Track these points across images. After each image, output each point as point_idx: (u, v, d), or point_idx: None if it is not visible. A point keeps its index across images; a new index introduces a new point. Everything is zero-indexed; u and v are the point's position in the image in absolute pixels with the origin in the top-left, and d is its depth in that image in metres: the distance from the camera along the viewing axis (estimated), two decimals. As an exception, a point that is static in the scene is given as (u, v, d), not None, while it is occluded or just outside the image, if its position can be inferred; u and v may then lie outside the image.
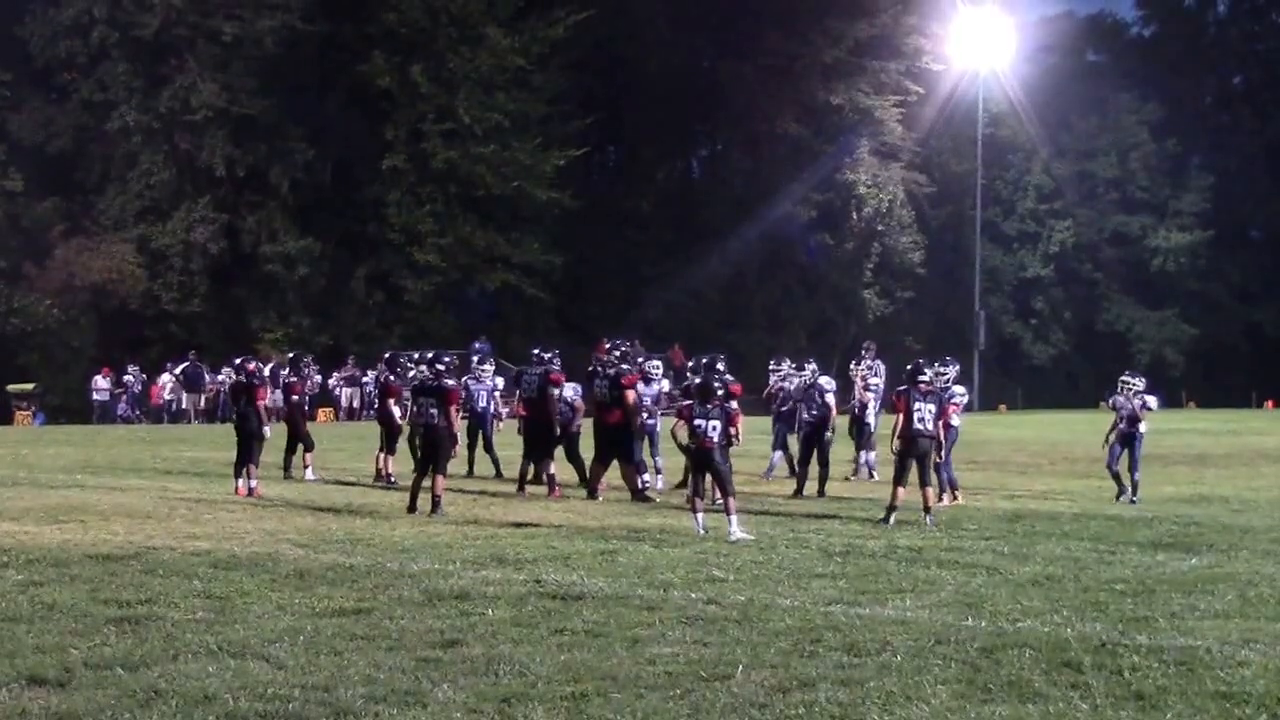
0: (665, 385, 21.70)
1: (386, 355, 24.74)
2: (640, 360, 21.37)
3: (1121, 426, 18.92)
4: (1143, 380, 19.35)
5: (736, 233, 58.87)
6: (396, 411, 21.55)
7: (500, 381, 23.75)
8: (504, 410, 24.28)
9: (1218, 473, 24.41)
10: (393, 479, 20.90)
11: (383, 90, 51.39)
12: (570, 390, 20.70)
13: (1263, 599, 10.81)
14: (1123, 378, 19.44)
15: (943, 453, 17.07)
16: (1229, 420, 45.74)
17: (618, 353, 19.70)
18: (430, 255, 51.28)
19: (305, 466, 21.68)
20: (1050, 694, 7.76)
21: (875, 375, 23.60)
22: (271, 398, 24.08)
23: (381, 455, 21.40)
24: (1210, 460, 27.39)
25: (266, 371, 23.86)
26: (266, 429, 19.60)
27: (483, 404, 22.64)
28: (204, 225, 49.56)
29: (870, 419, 22.79)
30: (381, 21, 51.23)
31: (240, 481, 19.12)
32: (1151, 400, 19.06)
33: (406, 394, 21.69)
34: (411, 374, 22.33)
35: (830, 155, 61.91)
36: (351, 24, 51.79)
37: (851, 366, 24.23)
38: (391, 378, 22.62)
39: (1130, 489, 18.52)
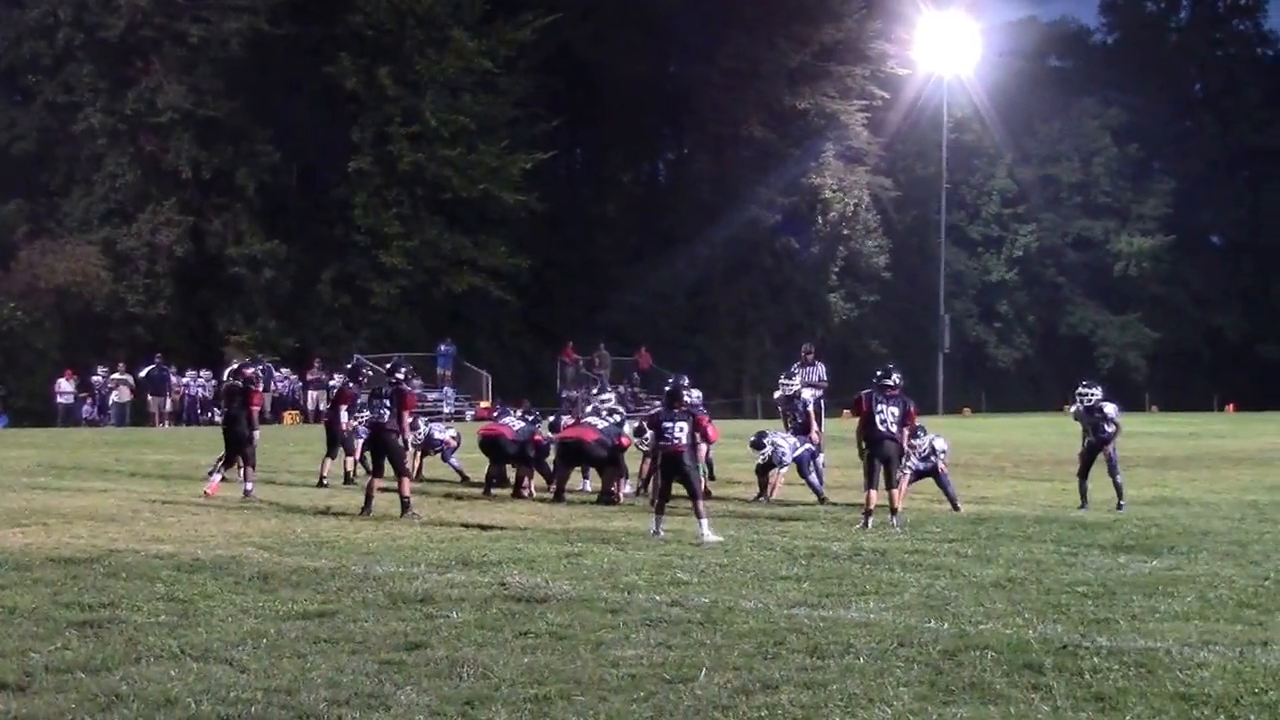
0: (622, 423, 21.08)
1: (350, 365, 24.57)
2: (595, 392, 21.56)
3: (1090, 439, 18.95)
4: (1099, 389, 19.18)
5: (703, 236, 59.02)
6: (345, 418, 21.56)
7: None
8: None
9: (1179, 475, 24.55)
10: (325, 480, 21.06)
11: (349, 93, 51.26)
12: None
13: (1222, 601, 10.89)
14: (1079, 389, 19.32)
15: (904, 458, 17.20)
16: (1190, 424, 46.04)
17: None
18: (396, 258, 51.17)
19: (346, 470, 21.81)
20: (1011, 696, 7.79)
21: (807, 385, 21.67)
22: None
23: (327, 461, 21.57)
24: (1171, 463, 27.54)
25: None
26: (256, 433, 19.66)
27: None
28: (169, 228, 49.31)
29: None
30: (348, 24, 51.12)
31: (216, 478, 19.20)
32: (1109, 409, 18.98)
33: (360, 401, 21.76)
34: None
35: (796, 159, 62.10)
36: (318, 26, 51.63)
37: (782, 379, 21.86)
38: (350, 384, 22.54)
39: (1117, 494, 18.47)
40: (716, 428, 17.20)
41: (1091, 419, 18.85)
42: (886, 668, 8.39)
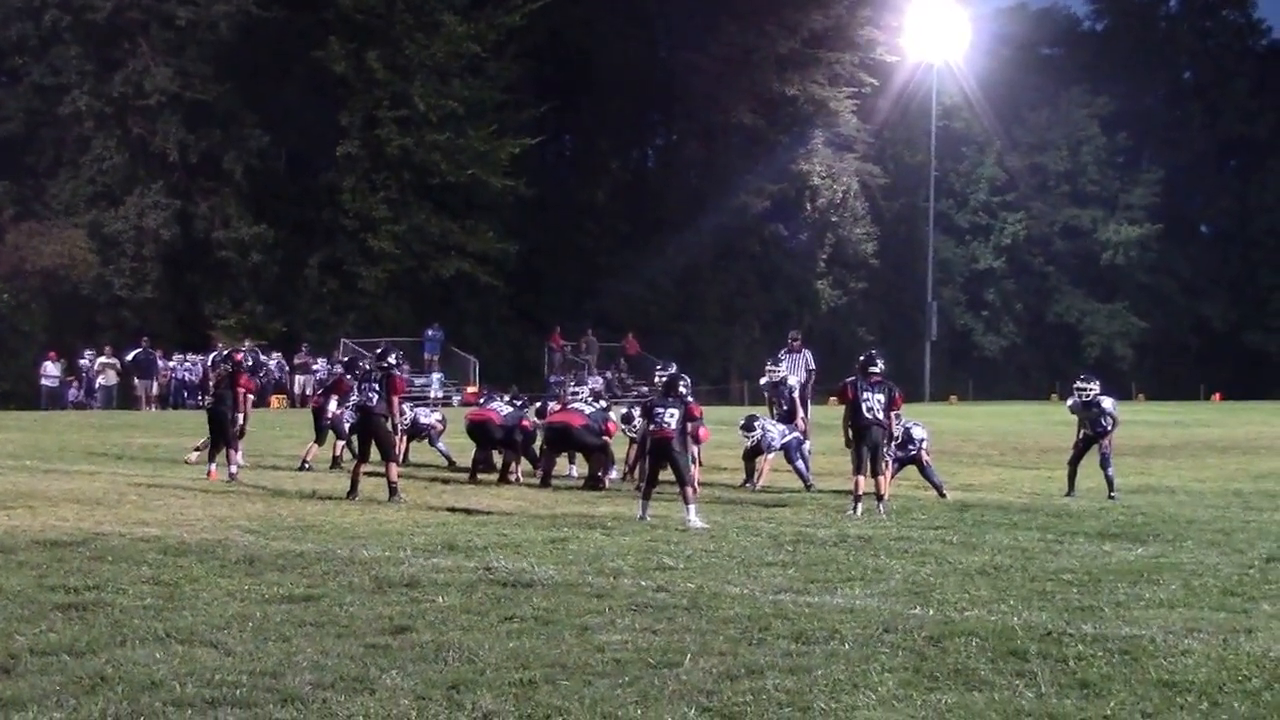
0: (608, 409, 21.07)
1: (347, 358, 24.56)
2: (572, 386, 21.61)
3: (1086, 432, 18.97)
4: (1097, 384, 19.13)
5: (691, 223, 58.92)
6: (332, 407, 21.48)
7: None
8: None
9: (1165, 464, 24.63)
10: (308, 464, 21.06)
11: (338, 77, 51.11)
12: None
13: (1206, 589, 10.92)
14: (1077, 383, 19.24)
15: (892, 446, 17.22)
16: (1176, 412, 46.14)
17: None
18: (384, 242, 51.09)
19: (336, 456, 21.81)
20: (996, 682, 7.81)
21: (794, 372, 21.48)
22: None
23: (313, 446, 21.59)
24: (1157, 452, 27.62)
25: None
26: (240, 415, 19.70)
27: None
28: (157, 211, 49.15)
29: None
30: (337, 8, 50.94)
31: (213, 466, 19.35)
32: (1107, 403, 18.98)
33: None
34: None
35: (785, 146, 62.09)
36: (307, 10, 51.44)
37: (769, 366, 21.60)
38: (346, 375, 22.50)
39: (1108, 485, 18.50)
40: (708, 429, 17.33)
41: (1089, 413, 18.87)
42: (871, 654, 8.41)
